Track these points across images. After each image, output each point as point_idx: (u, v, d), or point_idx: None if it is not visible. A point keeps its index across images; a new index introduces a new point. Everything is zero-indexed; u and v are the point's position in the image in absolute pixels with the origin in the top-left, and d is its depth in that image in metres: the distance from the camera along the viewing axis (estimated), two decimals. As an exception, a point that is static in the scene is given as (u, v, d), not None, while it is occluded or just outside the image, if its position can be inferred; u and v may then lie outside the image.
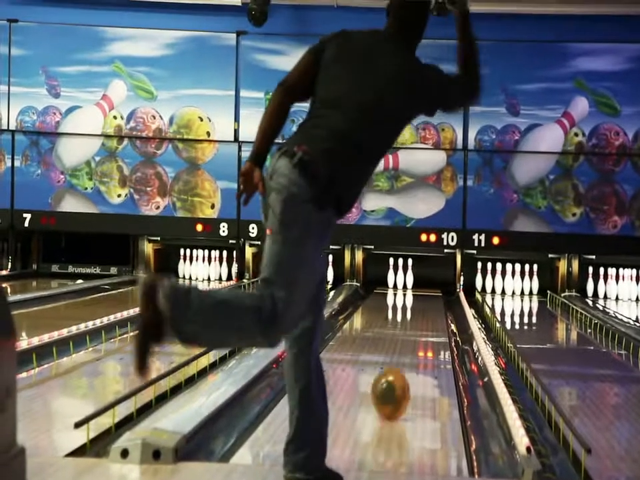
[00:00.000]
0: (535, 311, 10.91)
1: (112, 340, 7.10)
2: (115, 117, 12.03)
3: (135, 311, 8.28)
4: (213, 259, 12.36)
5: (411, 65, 3.64)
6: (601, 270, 11.92)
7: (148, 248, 12.31)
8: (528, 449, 4.06)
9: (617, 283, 11.89)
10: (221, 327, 3.23)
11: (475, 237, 11.66)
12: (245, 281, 11.94)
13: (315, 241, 3.37)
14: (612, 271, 11.90)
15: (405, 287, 12.05)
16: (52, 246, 12.48)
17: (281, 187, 3.37)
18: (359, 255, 12.09)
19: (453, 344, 7.63)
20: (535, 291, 12.00)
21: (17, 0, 11.94)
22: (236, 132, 11.93)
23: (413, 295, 11.70)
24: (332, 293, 10.90)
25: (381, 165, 11.88)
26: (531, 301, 11.65)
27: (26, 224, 11.95)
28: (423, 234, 11.72)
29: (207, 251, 12.35)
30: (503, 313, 10.33)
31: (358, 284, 11.92)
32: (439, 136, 11.88)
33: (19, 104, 12.04)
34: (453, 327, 8.74)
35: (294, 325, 3.37)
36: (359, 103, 3.50)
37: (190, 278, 12.35)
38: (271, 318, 3.22)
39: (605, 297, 11.84)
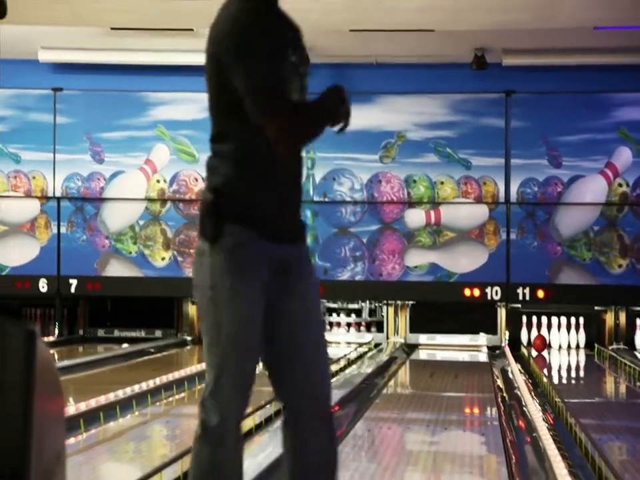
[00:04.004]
0: (582, 364, 10.78)
1: (158, 403, 7.12)
2: (158, 181, 12.18)
3: (179, 373, 8.31)
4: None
5: (221, 13, 2.90)
6: (649, 321, 11.77)
7: (192, 310, 12.36)
8: (578, 506, 4.00)
9: (666, 334, 11.74)
10: None
11: (520, 290, 11.59)
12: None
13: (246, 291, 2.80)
14: (660, 323, 11.75)
15: (449, 342, 11.97)
16: (98, 310, 12.58)
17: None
18: (403, 312, 12.05)
19: (500, 400, 7.56)
20: (582, 344, 11.86)
21: (61, 69, 12.17)
22: (277, 192, 12.01)
23: (458, 350, 11.62)
24: (375, 351, 10.86)
25: (423, 221, 11.90)
26: (578, 354, 11.52)
27: (72, 289, 12.06)
28: (466, 288, 11.67)
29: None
30: (549, 367, 10.22)
31: (402, 340, 11.87)
32: (481, 190, 11.88)
33: (64, 171, 12.22)
34: (499, 382, 8.66)
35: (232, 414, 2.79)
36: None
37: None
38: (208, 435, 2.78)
39: (654, 349, 11.68)
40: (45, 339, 11.68)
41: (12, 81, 12.06)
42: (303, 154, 2.94)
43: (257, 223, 2.79)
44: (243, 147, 2.84)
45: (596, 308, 11.85)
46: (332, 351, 9.92)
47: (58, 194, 12.21)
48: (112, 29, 10.92)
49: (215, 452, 2.75)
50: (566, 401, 6.89)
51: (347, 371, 9.34)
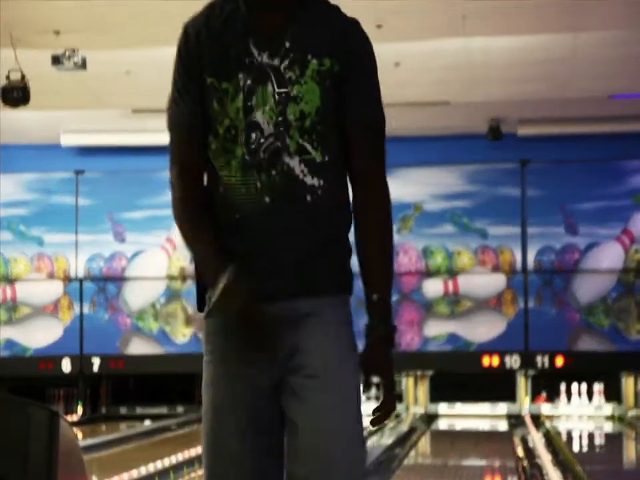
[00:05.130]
0: (603, 431, 10.76)
1: (180, 480, 7.19)
2: (178, 259, 12.33)
3: (201, 449, 8.36)
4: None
5: None
6: (670, 386, 11.73)
7: (214, 385, 12.39)
8: None
9: (688, 398, 11.69)
10: None
11: (539, 358, 11.61)
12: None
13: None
14: (682, 387, 11.70)
15: (469, 411, 11.95)
16: (120, 388, 12.66)
17: None
18: (423, 382, 12.06)
19: (520, 468, 7.57)
20: (603, 411, 11.81)
21: (83, 152, 12.41)
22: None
23: (478, 419, 11.61)
24: (396, 422, 10.88)
25: (440, 291, 11.97)
26: (598, 421, 11.49)
27: (95, 369, 12.17)
28: (485, 357, 11.70)
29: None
30: (570, 435, 10.22)
31: (422, 410, 11.87)
32: (498, 259, 11.96)
33: (87, 252, 12.39)
34: (519, 450, 8.67)
35: None
36: None
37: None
38: None
39: (677, 414, 11.63)
40: (69, 418, 11.77)
41: (35, 165, 12.32)
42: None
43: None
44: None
45: (616, 374, 11.83)
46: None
47: (80, 275, 12.38)
48: (133, 111, 11.15)
49: None
50: (588, 469, 6.90)
51: (368, 442, 9.39)
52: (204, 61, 2.22)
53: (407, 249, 11.92)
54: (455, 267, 12.00)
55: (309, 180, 2.19)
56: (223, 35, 2.22)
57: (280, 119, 2.19)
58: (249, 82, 2.19)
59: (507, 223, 11.98)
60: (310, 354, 2.20)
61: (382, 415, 2.18)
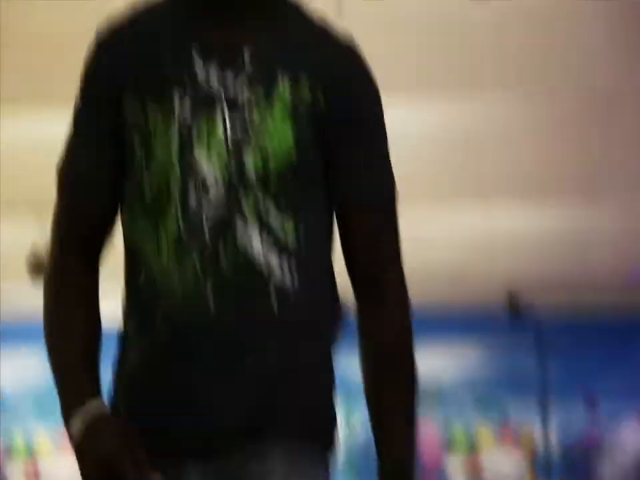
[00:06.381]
0: None
1: None
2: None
3: None
4: None
5: None
6: None
7: None
8: None
9: None
10: None
11: (564, 542, 11.33)
12: None
13: None
14: None
15: None
16: None
17: None
18: None
19: None
20: None
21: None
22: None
23: None
24: None
25: (461, 469, 11.76)
26: None
27: None
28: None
29: None
30: None
31: None
32: (519, 438, 11.83)
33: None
34: None
35: None
36: None
37: None
38: None
39: None
40: None
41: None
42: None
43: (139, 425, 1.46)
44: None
45: None
46: None
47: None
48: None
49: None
50: None
51: None
52: (124, 80, 1.48)
53: (427, 426, 11.77)
54: (475, 445, 11.85)
55: (276, 270, 1.42)
56: (152, 39, 1.49)
57: (233, 169, 1.43)
58: (187, 106, 1.44)
59: (526, 400, 11.90)
60: None
61: None
